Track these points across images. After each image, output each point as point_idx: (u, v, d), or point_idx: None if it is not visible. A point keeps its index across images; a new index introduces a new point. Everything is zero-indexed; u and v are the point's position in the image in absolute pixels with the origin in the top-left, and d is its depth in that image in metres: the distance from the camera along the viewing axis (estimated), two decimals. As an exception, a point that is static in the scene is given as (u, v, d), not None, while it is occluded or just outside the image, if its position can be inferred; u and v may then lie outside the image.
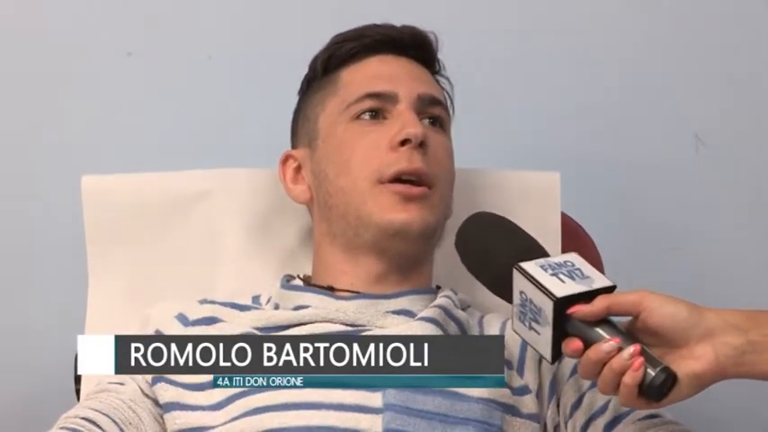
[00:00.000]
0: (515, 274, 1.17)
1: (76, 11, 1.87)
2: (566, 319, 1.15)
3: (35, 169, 1.85)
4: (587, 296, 1.15)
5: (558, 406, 1.37)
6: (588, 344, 1.14)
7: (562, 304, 1.14)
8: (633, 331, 1.14)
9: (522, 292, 1.17)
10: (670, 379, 1.10)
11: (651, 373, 1.10)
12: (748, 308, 1.14)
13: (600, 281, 1.16)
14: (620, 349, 1.12)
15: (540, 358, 1.38)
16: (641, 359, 1.11)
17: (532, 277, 1.15)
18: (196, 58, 1.88)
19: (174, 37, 1.88)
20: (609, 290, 1.16)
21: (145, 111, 1.87)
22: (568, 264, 1.18)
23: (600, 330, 1.14)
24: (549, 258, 1.18)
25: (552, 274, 1.16)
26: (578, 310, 1.14)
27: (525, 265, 1.17)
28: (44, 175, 1.85)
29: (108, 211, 1.58)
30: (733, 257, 1.93)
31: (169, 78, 1.87)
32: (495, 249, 1.23)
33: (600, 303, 1.13)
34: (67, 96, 1.86)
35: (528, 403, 1.35)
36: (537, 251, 1.21)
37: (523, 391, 1.35)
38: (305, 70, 1.54)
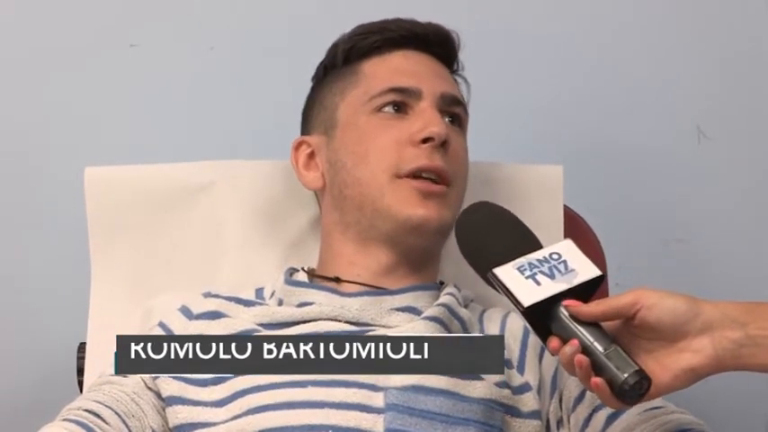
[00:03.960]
0: (491, 279, 1.17)
1: (79, 2, 1.87)
2: (550, 314, 1.14)
3: (38, 161, 1.85)
4: (572, 292, 1.14)
5: (560, 400, 1.37)
6: (566, 341, 1.14)
7: (535, 310, 1.13)
8: (630, 328, 1.13)
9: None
10: (643, 382, 1.10)
11: (622, 376, 1.09)
12: (750, 299, 1.14)
13: (584, 273, 1.15)
14: (585, 350, 1.12)
15: (541, 353, 1.39)
16: (586, 361, 1.11)
17: (503, 285, 1.15)
18: (198, 50, 1.88)
19: (177, 28, 1.88)
20: (595, 282, 1.15)
21: (147, 102, 1.87)
22: (553, 258, 1.16)
23: (576, 329, 1.13)
24: (531, 255, 1.17)
25: (529, 276, 1.15)
26: (571, 307, 1.14)
27: (499, 271, 1.16)
28: (47, 167, 1.85)
29: (111, 202, 1.58)
30: (735, 249, 1.93)
31: (172, 69, 1.87)
32: (488, 243, 1.22)
33: (594, 309, 1.13)
34: (70, 87, 1.86)
35: (528, 401, 1.35)
36: (529, 244, 1.20)
37: (524, 389, 1.35)
38: (307, 61, 1.54)
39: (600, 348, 1.12)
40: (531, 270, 1.15)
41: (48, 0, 1.86)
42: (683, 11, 1.93)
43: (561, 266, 1.15)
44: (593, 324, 1.13)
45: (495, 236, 1.22)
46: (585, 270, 1.15)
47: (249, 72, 1.88)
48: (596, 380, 1.11)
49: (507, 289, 1.14)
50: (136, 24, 1.87)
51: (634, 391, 1.10)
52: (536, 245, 1.20)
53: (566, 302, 1.14)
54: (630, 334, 1.14)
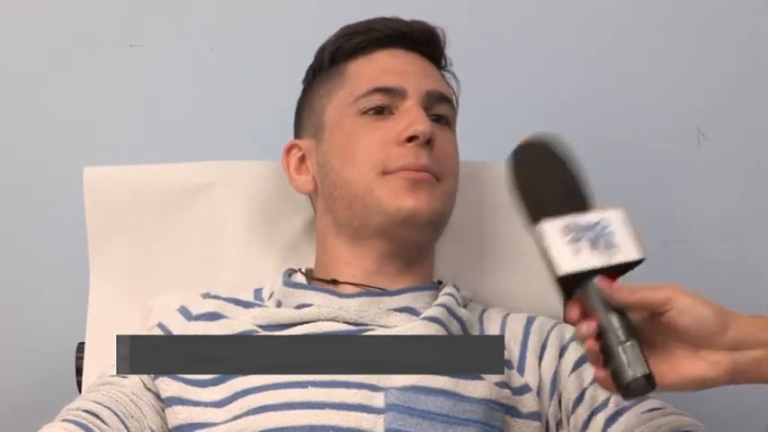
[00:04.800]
0: (533, 231, 1.12)
1: (79, 2, 1.87)
2: (579, 282, 1.10)
3: (37, 160, 1.85)
4: (610, 269, 1.10)
5: (559, 402, 1.37)
6: (585, 314, 1.11)
7: (567, 277, 1.09)
8: (654, 320, 1.10)
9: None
10: (649, 387, 1.08)
11: (630, 375, 1.07)
12: (750, 300, 1.13)
13: (626, 253, 1.10)
14: (599, 335, 1.09)
15: (541, 354, 1.38)
16: (596, 350, 1.09)
17: (544, 243, 1.10)
18: (199, 50, 1.88)
19: (177, 29, 1.88)
20: (632, 265, 1.11)
21: (147, 102, 1.87)
22: (601, 226, 1.11)
23: (601, 309, 1.10)
24: (580, 218, 1.11)
25: (572, 240, 1.10)
26: (604, 286, 1.10)
27: (547, 225, 1.11)
28: (46, 167, 1.84)
29: (110, 202, 1.58)
30: (735, 250, 1.93)
31: (171, 70, 1.87)
32: (543, 189, 1.16)
33: (627, 298, 1.10)
34: (70, 87, 1.86)
35: (528, 402, 1.35)
36: (582, 200, 1.14)
37: (524, 389, 1.36)
38: (307, 62, 1.54)
39: (619, 337, 1.09)
40: (575, 234, 1.11)
41: (47, 0, 1.86)
42: (683, 11, 1.93)
43: (606, 239, 1.11)
44: (619, 309, 1.11)
45: (552, 181, 1.17)
46: (628, 249, 1.11)
47: (249, 72, 1.88)
48: (601, 373, 1.10)
49: (547, 249, 1.10)
50: (136, 24, 1.87)
51: (636, 392, 1.08)
52: (588, 202, 1.14)
53: (601, 281, 1.10)
54: (652, 325, 1.11)
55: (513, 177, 1.19)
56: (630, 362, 1.08)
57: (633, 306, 1.11)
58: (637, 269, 1.85)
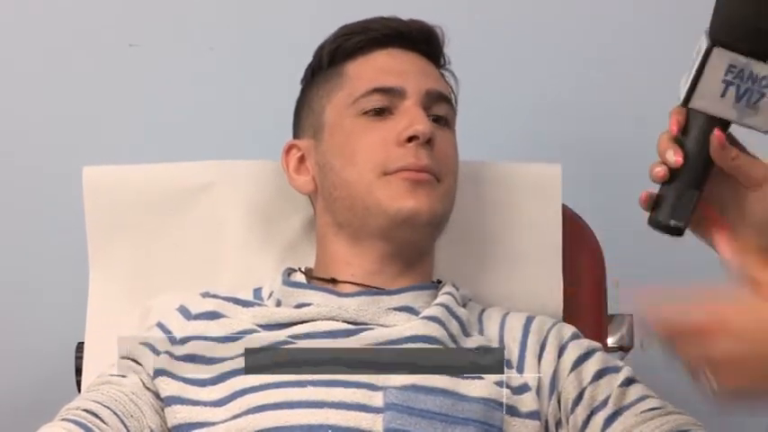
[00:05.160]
0: (703, 49, 1.06)
1: (79, 2, 1.87)
2: (699, 114, 1.08)
3: (37, 160, 1.85)
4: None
5: (558, 401, 1.37)
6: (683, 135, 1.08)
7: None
8: (732, 190, 1.07)
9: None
10: (673, 235, 1.06)
11: (669, 218, 1.07)
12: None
13: (760, 121, 1.06)
14: (673, 176, 1.07)
15: (540, 354, 1.38)
16: (664, 171, 1.07)
17: (701, 67, 1.06)
18: (198, 50, 1.88)
19: (176, 28, 1.88)
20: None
21: (146, 102, 1.87)
22: (761, 83, 1.05)
23: (697, 149, 1.07)
24: (752, 64, 1.05)
25: (724, 81, 1.05)
26: (716, 137, 1.07)
27: (717, 52, 1.05)
28: (46, 166, 1.85)
29: (109, 202, 1.58)
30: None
31: (171, 70, 1.87)
32: (744, 11, 1.06)
33: (730, 163, 1.06)
34: (69, 87, 1.86)
35: (527, 401, 1.35)
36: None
37: (523, 389, 1.35)
38: (307, 61, 1.54)
39: (689, 181, 1.07)
40: (734, 77, 1.06)
41: (48, 0, 1.86)
42: (684, 11, 1.93)
43: (756, 97, 1.06)
44: (709, 158, 1.08)
45: (759, 9, 1.06)
46: (765, 119, 1.06)
47: (249, 72, 1.88)
48: (644, 194, 1.09)
49: (697, 73, 1.06)
50: (135, 24, 1.87)
51: (661, 231, 1.07)
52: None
53: (717, 131, 1.07)
54: (729, 191, 1.09)
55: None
56: (678, 207, 1.07)
57: (730, 168, 1.08)
58: (636, 267, 1.85)
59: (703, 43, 1.07)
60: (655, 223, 1.08)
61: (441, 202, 1.42)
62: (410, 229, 1.40)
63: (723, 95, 1.06)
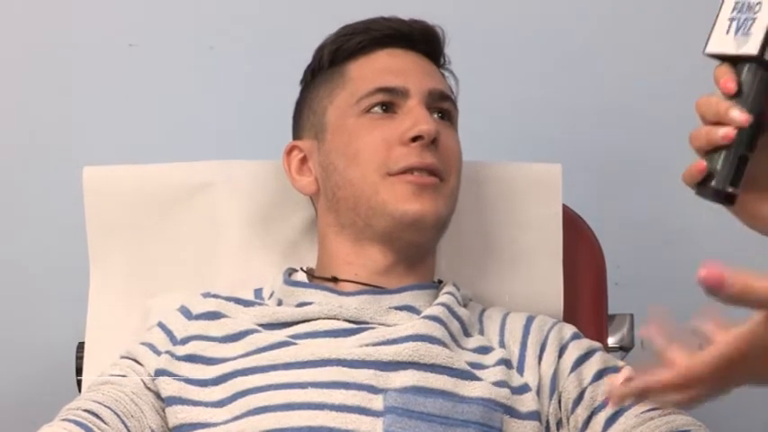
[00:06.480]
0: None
1: (79, 1, 1.87)
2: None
3: (37, 161, 1.85)
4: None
5: (559, 402, 1.37)
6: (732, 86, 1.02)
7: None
8: None
9: None
10: (720, 201, 1.01)
11: (721, 183, 1.00)
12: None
13: (748, 46, 1.02)
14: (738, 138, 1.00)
15: (540, 354, 1.38)
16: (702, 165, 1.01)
17: (719, 13, 1.04)
18: (198, 49, 1.88)
19: (176, 27, 1.88)
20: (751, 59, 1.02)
21: (146, 102, 1.87)
22: (757, 8, 1.02)
23: (744, 104, 1.01)
24: None
25: (732, 18, 1.03)
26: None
27: None
28: (46, 166, 1.85)
29: (109, 202, 1.58)
30: (735, 249, 1.92)
31: (171, 69, 1.87)
32: None
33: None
34: (69, 87, 1.86)
35: (528, 402, 1.34)
36: None
37: (523, 389, 1.35)
38: (307, 61, 1.54)
39: (741, 141, 1.00)
40: (737, 12, 1.03)
41: (48, 0, 1.86)
42: (684, 11, 1.93)
43: (747, 24, 1.02)
44: (761, 116, 1.01)
45: None
46: (752, 43, 1.01)
47: (249, 72, 1.88)
48: (702, 164, 1.01)
49: (715, 19, 1.04)
50: (135, 24, 1.87)
51: (715, 200, 1.01)
52: None
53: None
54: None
55: None
56: (730, 173, 1.01)
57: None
58: (636, 267, 1.85)
59: None
60: (712, 192, 1.01)
61: (445, 204, 1.42)
62: (414, 232, 1.40)
63: (728, 32, 1.04)
